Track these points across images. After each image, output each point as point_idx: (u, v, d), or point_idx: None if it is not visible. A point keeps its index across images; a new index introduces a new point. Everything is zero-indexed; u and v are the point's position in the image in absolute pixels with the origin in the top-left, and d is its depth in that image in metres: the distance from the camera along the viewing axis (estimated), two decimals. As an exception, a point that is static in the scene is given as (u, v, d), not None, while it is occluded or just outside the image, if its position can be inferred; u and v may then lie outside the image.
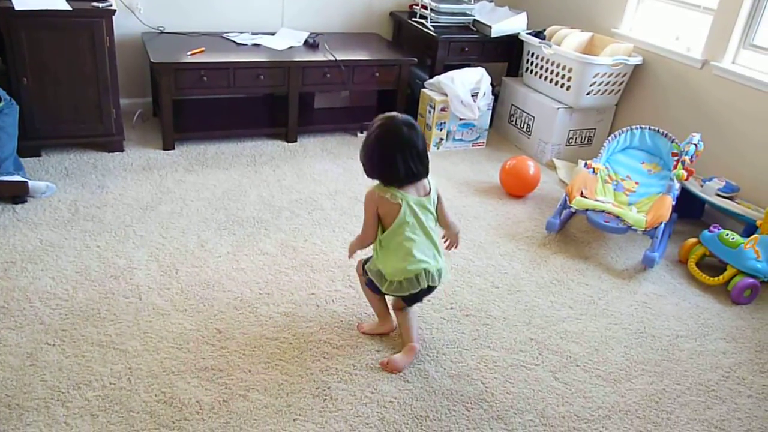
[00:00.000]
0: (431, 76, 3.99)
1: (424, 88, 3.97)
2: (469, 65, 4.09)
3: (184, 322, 2.23)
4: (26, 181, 2.83)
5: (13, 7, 2.88)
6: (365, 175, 2.01)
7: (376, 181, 2.01)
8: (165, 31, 3.82)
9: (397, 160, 1.92)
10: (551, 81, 3.87)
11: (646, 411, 2.08)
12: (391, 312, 2.27)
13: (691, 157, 3.04)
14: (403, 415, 1.95)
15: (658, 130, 3.29)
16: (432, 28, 4.06)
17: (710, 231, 2.89)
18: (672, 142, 3.23)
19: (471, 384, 2.11)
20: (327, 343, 2.21)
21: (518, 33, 4.11)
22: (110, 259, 2.53)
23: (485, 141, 4.09)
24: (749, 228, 2.99)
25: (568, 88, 3.73)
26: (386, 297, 2.22)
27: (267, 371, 2.06)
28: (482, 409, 2.01)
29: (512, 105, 4.20)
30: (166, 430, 1.80)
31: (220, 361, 2.08)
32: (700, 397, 2.17)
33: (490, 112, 4.01)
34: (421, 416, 1.95)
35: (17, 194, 2.82)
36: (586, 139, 3.97)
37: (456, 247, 2.26)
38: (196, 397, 1.92)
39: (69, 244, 2.59)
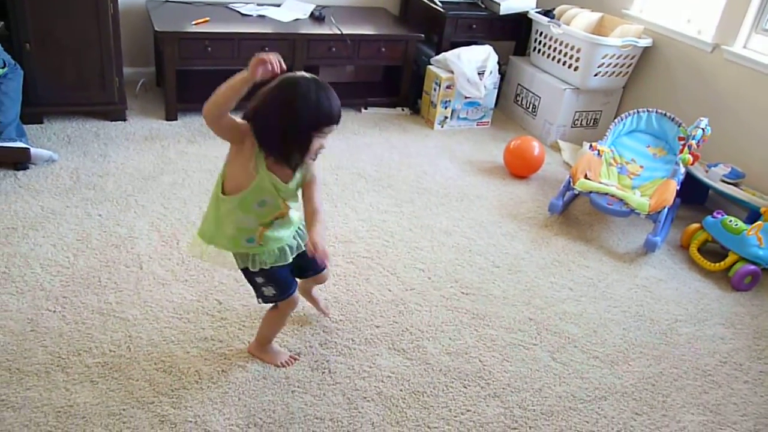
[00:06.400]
0: (438, 53, 3.94)
1: (430, 64, 3.93)
2: (476, 43, 4.03)
3: (184, 292, 2.23)
4: (28, 148, 2.81)
5: (17, -29, 2.85)
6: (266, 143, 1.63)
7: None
8: (170, -1, 3.77)
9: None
10: (559, 61, 3.82)
11: (642, 393, 2.09)
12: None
13: (698, 141, 3.02)
14: (401, 390, 1.96)
15: (665, 114, 3.26)
16: (440, 4, 4.00)
17: (713, 217, 2.88)
18: (679, 126, 3.20)
19: (469, 362, 2.12)
20: (326, 317, 2.22)
21: (527, 11, 4.05)
22: (111, 228, 2.52)
23: (490, 120, 4.06)
24: (753, 215, 2.98)
25: (576, 68, 3.69)
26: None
27: (266, 343, 2.06)
28: (479, 386, 2.02)
29: (518, 84, 4.16)
30: (164, 398, 1.81)
31: (220, 331, 2.08)
32: (696, 382, 2.18)
33: (496, 91, 3.98)
34: (418, 392, 1.97)
35: (19, 161, 2.81)
36: (592, 121, 3.94)
37: None
38: (195, 367, 1.93)
39: (70, 212, 2.58)
